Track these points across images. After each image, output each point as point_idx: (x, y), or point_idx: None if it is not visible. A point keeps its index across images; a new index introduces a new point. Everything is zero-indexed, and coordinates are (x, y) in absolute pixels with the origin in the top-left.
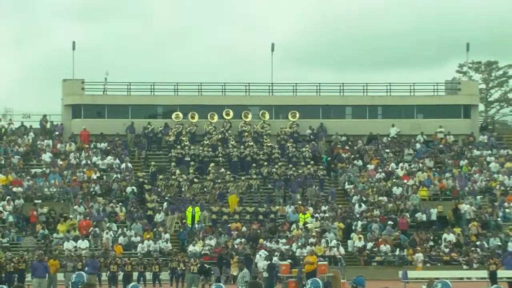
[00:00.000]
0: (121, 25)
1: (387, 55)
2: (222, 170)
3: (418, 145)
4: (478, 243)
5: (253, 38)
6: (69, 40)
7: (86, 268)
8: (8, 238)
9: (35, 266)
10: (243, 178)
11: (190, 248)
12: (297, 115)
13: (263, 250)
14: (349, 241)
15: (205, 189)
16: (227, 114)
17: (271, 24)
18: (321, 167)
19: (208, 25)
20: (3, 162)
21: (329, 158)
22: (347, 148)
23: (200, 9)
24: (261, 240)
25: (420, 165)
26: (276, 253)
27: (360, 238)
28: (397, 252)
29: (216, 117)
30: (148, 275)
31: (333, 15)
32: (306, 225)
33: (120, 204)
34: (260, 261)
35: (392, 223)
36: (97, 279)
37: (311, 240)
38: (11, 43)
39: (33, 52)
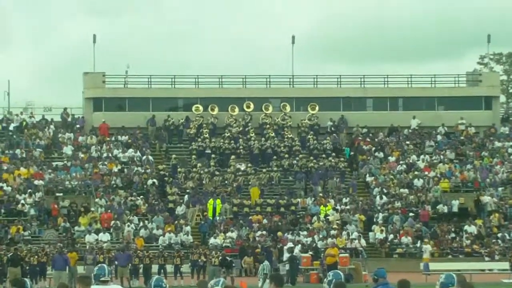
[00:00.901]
0: (141, 19)
1: (408, 47)
2: (241, 164)
3: (439, 137)
4: (499, 234)
5: (273, 30)
6: (89, 33)
7: (116, 262)
8: (29, 231)
9: (55, 258)
10: (264, 170)
11: (211, 240)
12: (317, 107)
13: (290, 243)
14: (370, 233)
15: (226, 182)
16: (248, 107)
17: (291, 16)
18: (342, 159)
19: (229, 18)
20: (24, 155)
21: (352, 153)
22: (368, 140)
23: (221, 2)
24: (279, 233)
25: (441, 157)
26: (299, 245)
27: (381, 230)
28: (418, 244)
29: (236, 110)
30: (170, 268)
31: (354, 7)
32: (327, 217)
33: (141, 196)
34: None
35: (413, 214)
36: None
37: (332, 232)
38: (32, 37)
39: (54, 46)
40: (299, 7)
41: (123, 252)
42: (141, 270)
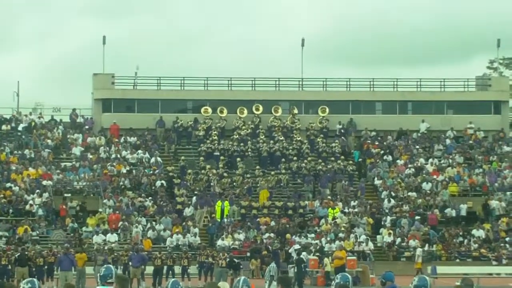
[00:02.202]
0: (151, 21)
1: (417, 51)
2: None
3: (448, 141)
4: (507, 239)
5: (283, 33)
6: (99, 35)
7: (130, 262)
8: (37, 231)
9: (61, 259)
10: (272, 173)
11: (219, 242)
12: (327, 110)
13: (297, 245)
14: (378, 236)
15: (234, 184)
16: (257, 109)
17: (301, 19)
18: (350, 162)
19: (238, 20)
20: (33, 155)
21: (360, 160)
22: (377, 143)
23: (230, 4)
24: (288, 235)
25: (450, 160)
26: (311, 248)
27: (389, 233)
28: (426, 248)
29: (245, 112)
30: (177, 269)
31: (362, 11)
32: (335, 220)
33: (150, 198)
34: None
35: (419, 218)
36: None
37: (340, 235)
38: (41, 38)
39: (64, 47)
40: (309, 10)
41: (137, 253)
42: (148, 271)
